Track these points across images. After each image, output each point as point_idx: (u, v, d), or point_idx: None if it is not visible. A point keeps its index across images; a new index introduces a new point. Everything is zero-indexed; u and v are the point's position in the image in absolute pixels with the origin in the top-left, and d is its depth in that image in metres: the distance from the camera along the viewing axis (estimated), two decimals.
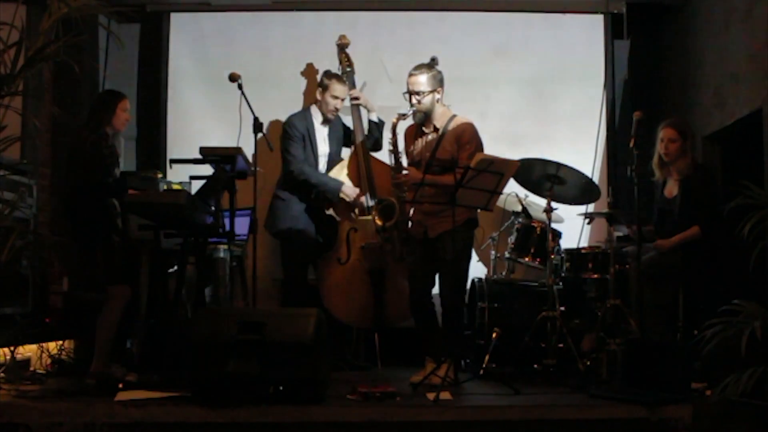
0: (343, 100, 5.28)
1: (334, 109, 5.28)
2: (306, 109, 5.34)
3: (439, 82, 4.57)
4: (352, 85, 5.42)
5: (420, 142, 4.68)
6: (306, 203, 5.25)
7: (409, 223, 4.84)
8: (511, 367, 4.67)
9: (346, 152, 5.53)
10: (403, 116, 4.59)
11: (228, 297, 5.23)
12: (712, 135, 5.47)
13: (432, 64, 4.62)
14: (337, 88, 5.25)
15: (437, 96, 4.57)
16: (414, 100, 4.54)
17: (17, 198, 4.51)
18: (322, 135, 5.32)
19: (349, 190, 5.22)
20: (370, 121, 5.38)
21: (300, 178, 5.16)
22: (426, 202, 4.49)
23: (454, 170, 4.35)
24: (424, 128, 4.66)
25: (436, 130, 4.61)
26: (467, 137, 4.52)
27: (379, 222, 5.14)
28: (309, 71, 5.90)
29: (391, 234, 5.11)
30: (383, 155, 5.13)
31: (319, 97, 5.28)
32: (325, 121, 5.31)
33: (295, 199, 5.23)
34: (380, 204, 5.17)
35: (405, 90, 4.58)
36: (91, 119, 4.47)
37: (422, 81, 4.54)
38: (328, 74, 5.32)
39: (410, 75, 4.58)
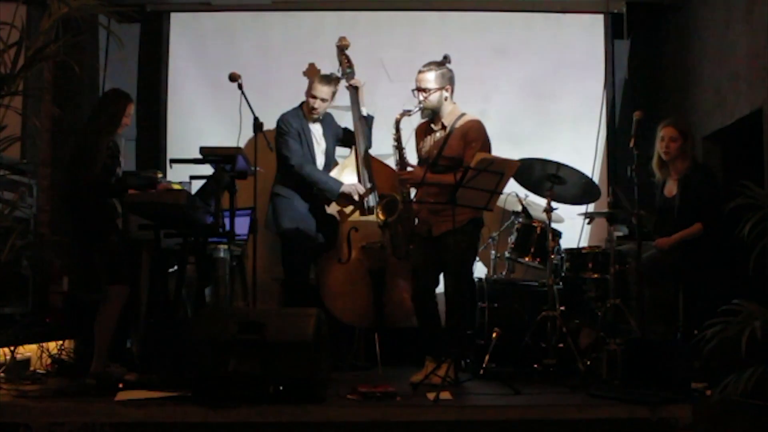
0: (323, 100, 5.24)
1: (314, 109, 5.25)
2: (299, 107, 5.33)
3: (448, 80, 4.58)
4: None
5: (429, 140, 4.69)
6: (308, 201, 5.25)
7: (416, 221, 4.84)
8: (511, 367, 4.67)
9: (344, 152, 5.54)
10: (408, 113, 4.60)
11: (228, 297, 5.23)
12: (712, 135, 5.47)
13: (443, 62, 4.62)
14: (318, 88, 5.23)
15: (445, 94, 4.58)
16: (421, 97, 4.56)
17: (17, 198, 4.51)
18: (318, 132, 5.33)
19: (349, 188, 5.22)
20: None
21: (300, 173, 5.16)
22: (428, 201, 4.50)
23: (459, 169, 4.34)
24: (432, 125, 4.68)
25: (444, 127, 4.62)
26: (473, 135, 4.52)
27: (381, 216, 5.13)
28: (310, 71, 5.89)
29: (395, 230, 5.10)
30: (387, 152, 5.12)
31: (304, 96, 5.30)
32: (315, 119, 5.31)
33: (297, 196, 5.23)
34: (383, 199, 5.17)
35: (413, 87, 4.59)
36: (100, 119, 4.37)
37: (430, 78, 4.55)
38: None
39: (419, 72, 4.60)
